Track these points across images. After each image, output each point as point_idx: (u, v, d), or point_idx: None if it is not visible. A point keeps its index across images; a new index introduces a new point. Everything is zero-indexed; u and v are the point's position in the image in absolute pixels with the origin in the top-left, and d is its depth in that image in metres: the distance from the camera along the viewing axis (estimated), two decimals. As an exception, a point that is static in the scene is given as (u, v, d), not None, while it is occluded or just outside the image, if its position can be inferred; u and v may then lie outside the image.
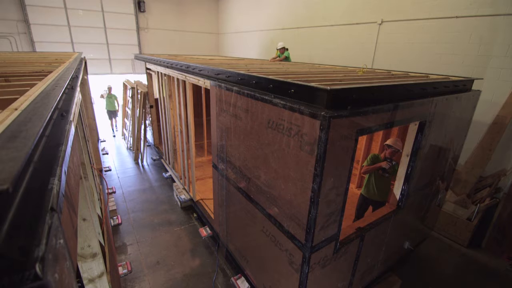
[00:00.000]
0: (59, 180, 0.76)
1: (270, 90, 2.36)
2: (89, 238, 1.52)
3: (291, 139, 2.06)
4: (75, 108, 1.69)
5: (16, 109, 0.96)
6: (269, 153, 2.39)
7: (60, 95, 1.21)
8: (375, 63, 6.58)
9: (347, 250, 2.59)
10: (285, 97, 2.17)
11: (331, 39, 7.70)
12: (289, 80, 2.22)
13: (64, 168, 0.89)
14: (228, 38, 12.93)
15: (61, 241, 0.58)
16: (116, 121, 9.94)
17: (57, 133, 1.04)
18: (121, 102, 9.57)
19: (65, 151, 0.98)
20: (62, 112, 1.25)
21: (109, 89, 9.25)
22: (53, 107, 0.96)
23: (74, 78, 2.18)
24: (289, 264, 2.41)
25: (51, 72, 2.26)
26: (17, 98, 1.17)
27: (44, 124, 0.76)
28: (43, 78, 1.84)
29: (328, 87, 1.76)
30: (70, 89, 1.80)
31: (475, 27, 4.91)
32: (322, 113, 1.74)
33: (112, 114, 9.63)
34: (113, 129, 9.86)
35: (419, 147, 2.87)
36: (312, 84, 1.97)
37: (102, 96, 9.26)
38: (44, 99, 1.04)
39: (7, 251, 0.47)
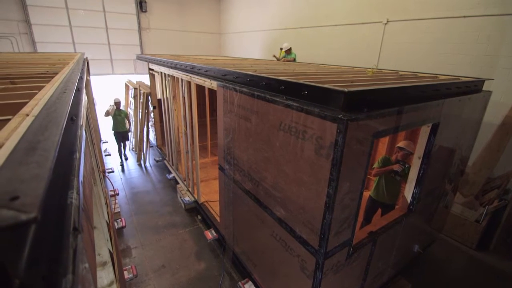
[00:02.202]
0: (78, 193, 0.70)
1: (281, 91, 2.30)
2: (99, 246, 1.46)
3: (305, 142, 2.00)
4: (83, 111, 1.63)
5: (27, 115, 0.90)
6: (280, 156, 2.33)
7: (72, 99, 1.15)
8: (380, 63, 6.52)
9: (360, 255, 2.53)
10: (298, 99, 2.11)
11: (335, 39, 7.64)
12: (301, 81, 2.16)
13: (81, 178, 0.83)
14: (230, 38, 12.87)
15: (86, 265, 0.52)
16: (125, 145, 7.44)
17: (69, 139, 0.98)
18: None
19: (79, 159, 0.92)
20: (72, 116, 1.19)
21: (117, 103, 6.82)
22: (67, 113, 0.90)
23: (80, 80, 2.12)
24: (301, 270, 2.35)
25: (57, 73, 2.20)
26: (26, 102, 1.11)
27: (62, 132, 0.70)
28: (50, 80, 1.78)
29: (346, 89, 1.70)
30: (77, 91, 1.74)
31: (483, 26, 4.85)
32: (339, 116, 1.68)
33: (121, 136, 7.03)
34: (121, 157, 7.25)
35: (432, 150, 2.80)
36: (327, 85, 1.91)
37: (108, 114, 6.67)
38: (57, 104, 0.98)
39: (30, 284, 0.41)
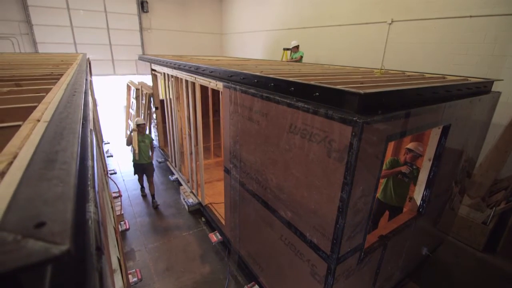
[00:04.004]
0: (96, 206, 0.65)
1: (291, 93, 2.25)
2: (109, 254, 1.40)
3: (317, 145, 1.95)
4: (91, 115, 1.58)
5: (38, 120, 0.85)
6: (289, 159, 2.28)
7: (83, 103, 1.10)
8: (385, 63, 6.46)
9: (370, 259, 2.48)
10: (309, 101, 2.06)
11: (339, 39, 7.59)
12: (312, 82, 2.11)
13: (96, 188, 0.78)
14: (232, 38, 12.82)
15: (111, 290, 0.48)
16: (151, 183, 5.47)
17: (82, 145, 0.93)
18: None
19: (93, 167, 0.87)
20: (82, 120, 1.14)
21: (141, 126, 5.06)
22: (81, 119, 0.86)
23: (86, 82, 2.07)
24: (311, 275, 2.30)
25: (62, 75, 2.15)
26: (35, 106, 1.06)
27: (80, 141, 0.65)
28: (56, 82, 1.73)
29: (362, 91, 1.65)
30: (85, 93, 1.69)
31: (490, 26, 4.80)
32: (354, 118, 1.63)
33: (143, 169, 5.32)
34: (153, 202, 5.44)
35: (442, 152, 2.75)
36: (340, 87, 1.86)
37: (130, 143, 5.05)
38: (68, 108, 0.93)
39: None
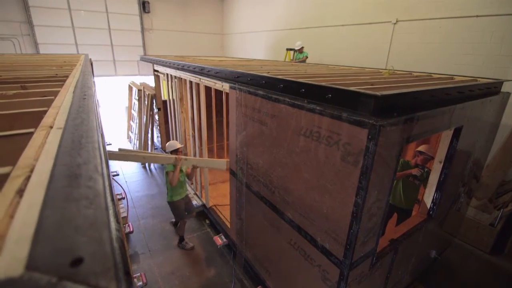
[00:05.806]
0: (118, 221, 0.60)
1: (301, 94, 2.20)
2: (118, 262, 1.35)
3: (329, 148, 1.90)
4: (99, 118, 1.54)
5: (51, 127, 0.80)
6: (300, 162, 2.23)
7: (96, 107, 1.05)
8: (389, 64, 6.41)
9: (382, 264, 2.44)
10: (321, 103, 2.00)
11: (342, 39, 7.53)
12: (323, 83, 2.06)
13: (114, 199, 0.73)
14: (233, 38, 12.76)
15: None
16: (184, 222, 4.27)
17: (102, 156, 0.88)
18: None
19: (108, 175, 0.82)
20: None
21: (179, 151, 3.96)
22: (98, 125, 0.81)
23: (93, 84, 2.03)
24: (322, 281, 2.25)
25: (67, 76, 2.11)
26: (45, 111, 1.01)
27: (102, 151, 0.60)
28: (62, 84, 1.68)
29: (379, 93, 1.60)
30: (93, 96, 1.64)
31: (496, 26, 4.74)
32: (370, 121, 1.58)
33: (187, 205, 4.26)
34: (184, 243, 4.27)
35: (454, 154, 2.70)
36: (354, 88, 1.81)
37: (175, 179, 3.77)
38: (81, 113, 0.88)
39: None
